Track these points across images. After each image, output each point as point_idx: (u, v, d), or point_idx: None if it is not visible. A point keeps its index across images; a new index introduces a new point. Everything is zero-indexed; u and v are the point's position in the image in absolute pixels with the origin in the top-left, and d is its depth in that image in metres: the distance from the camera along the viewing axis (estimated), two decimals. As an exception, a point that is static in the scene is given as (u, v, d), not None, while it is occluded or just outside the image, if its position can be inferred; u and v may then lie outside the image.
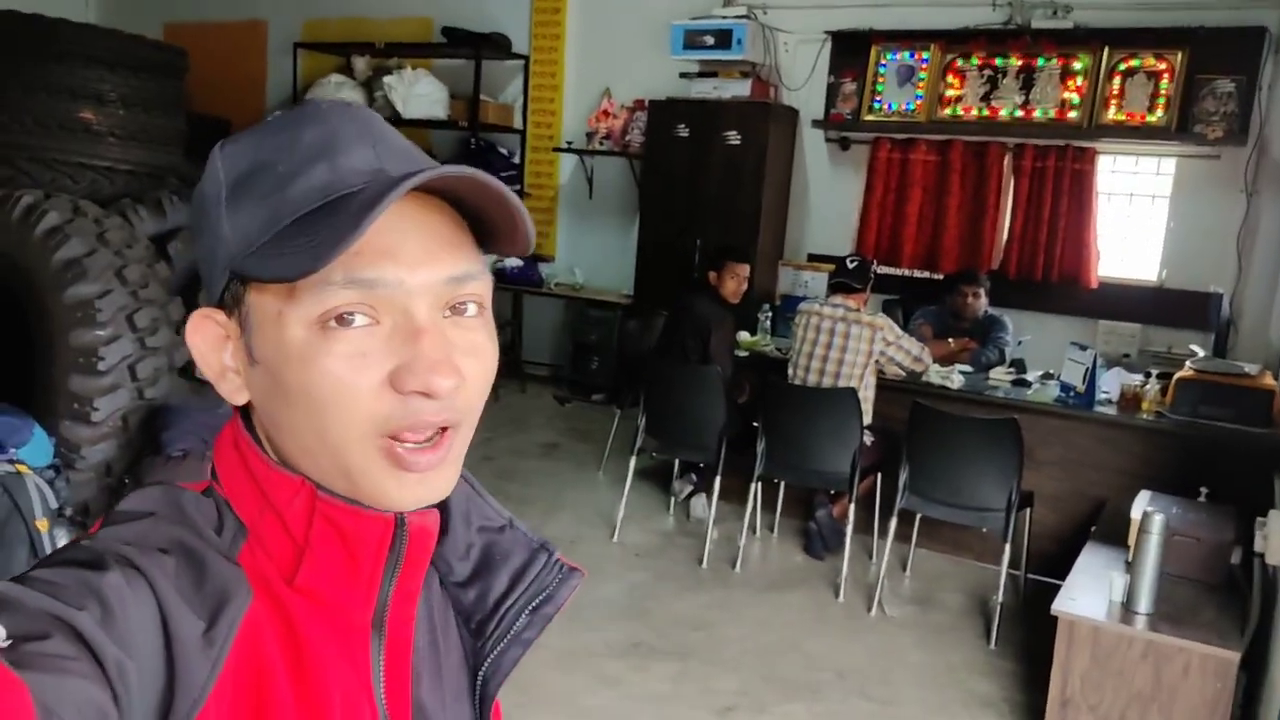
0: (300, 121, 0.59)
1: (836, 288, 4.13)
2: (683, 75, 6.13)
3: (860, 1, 5.69)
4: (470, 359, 0.58)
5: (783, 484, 4.42)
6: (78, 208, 3.67)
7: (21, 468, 2.97)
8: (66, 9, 5.36)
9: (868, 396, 4.05)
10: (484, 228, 0.60)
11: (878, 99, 5.67)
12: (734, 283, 4.51)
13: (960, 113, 5.46)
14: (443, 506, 0.67)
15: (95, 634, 0.47)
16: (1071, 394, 4.07)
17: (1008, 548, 3.60)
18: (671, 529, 4.50)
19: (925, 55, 5.49)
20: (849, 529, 3.91)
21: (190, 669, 0.51)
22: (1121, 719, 2.77)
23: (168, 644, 0.51)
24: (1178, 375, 3.93)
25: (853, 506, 3.93)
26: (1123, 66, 5.05)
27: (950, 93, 5.48)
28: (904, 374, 4.14)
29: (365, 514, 0.58)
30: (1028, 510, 3.87)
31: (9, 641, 0.45)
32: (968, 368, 4.48)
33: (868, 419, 4.00)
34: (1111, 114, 5.08)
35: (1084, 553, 3.32)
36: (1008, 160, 5.42)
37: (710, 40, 5.84)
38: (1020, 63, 5.27)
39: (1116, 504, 3.71)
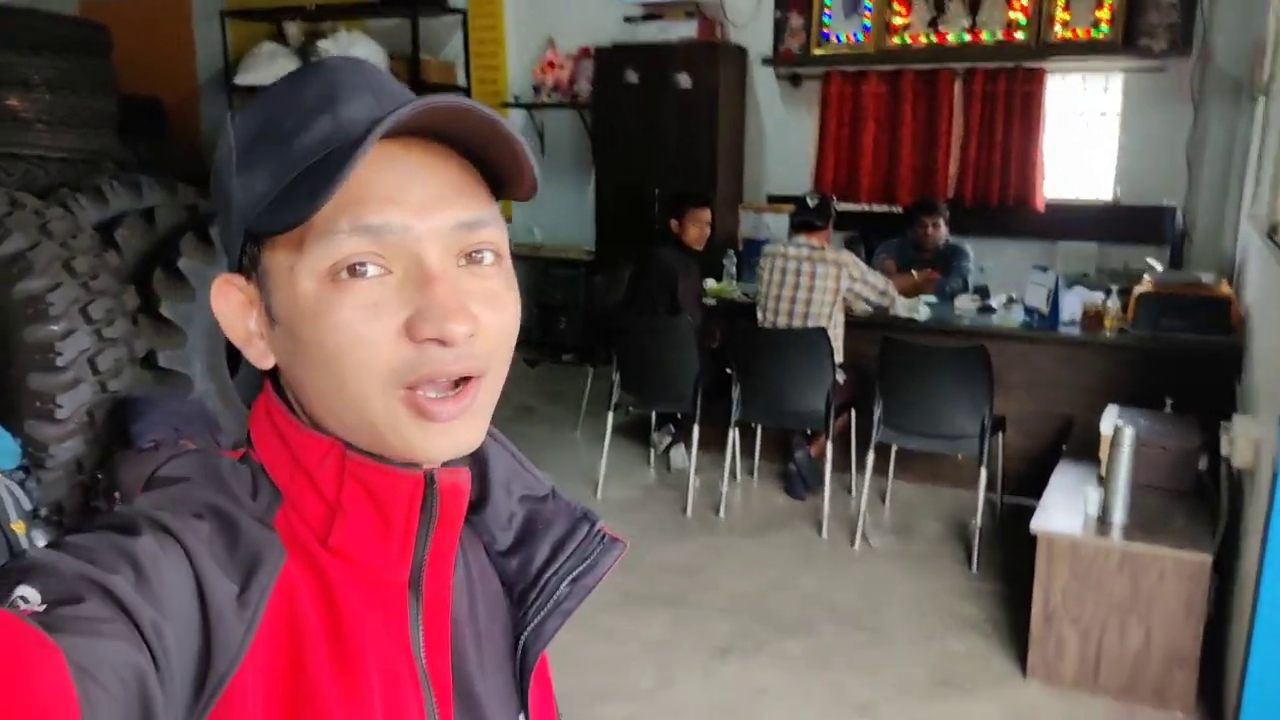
0: (304, 78, 0.59)
1: (799, 227, 4.14)
2: (627, 20, 6.02)
3: (802, -68, 5.61)
4: (487, 308, 0.57)
5: (760, 428, 4.46)
6: (15, 200, 3.55)
7: (-10, 473, 2.90)
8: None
9: (838, 335, 4.08)
10: (492, 174, 0.59)
11: (825, 32, 5.63)
12: (696, 229, 4.50)
13: (908, 41, 5.44)
14: (484, 476, 0.67)
15: (130, 596, 0.47)
16: (1036, 317, 4.13)
17: (983, 472, 3.68)
18: (653, 481, 4.53)
19: (871, -18, 5.45)
20: (827, 467, 3.96)
21: (225, 630, 0.51)
22: (1102, 628, 2.86)
23: (202, 606, 0.51)
24: (1138, 290, 4.01)
25: (830, 444, 3.98)
26: (1067, -19, 5.06)
27: (897, 20, 5.45)
28: (871, 310, 4.18)
29: (394, 472, 0.58)
30: (1000, 434, 3.96)
31: (44, 606, 0.45)
32: (933, 298, 4.53)
33: (839, 357, 4.04)
34: (1058, 32, 5.09)
35: (1056, 471, 3.40)
36: (958, 87, 5.42)
37: (652, -20, 5.74)
38: (966, -16, 5.25)
39: (1085, 421, 3.80)
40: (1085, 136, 5.42)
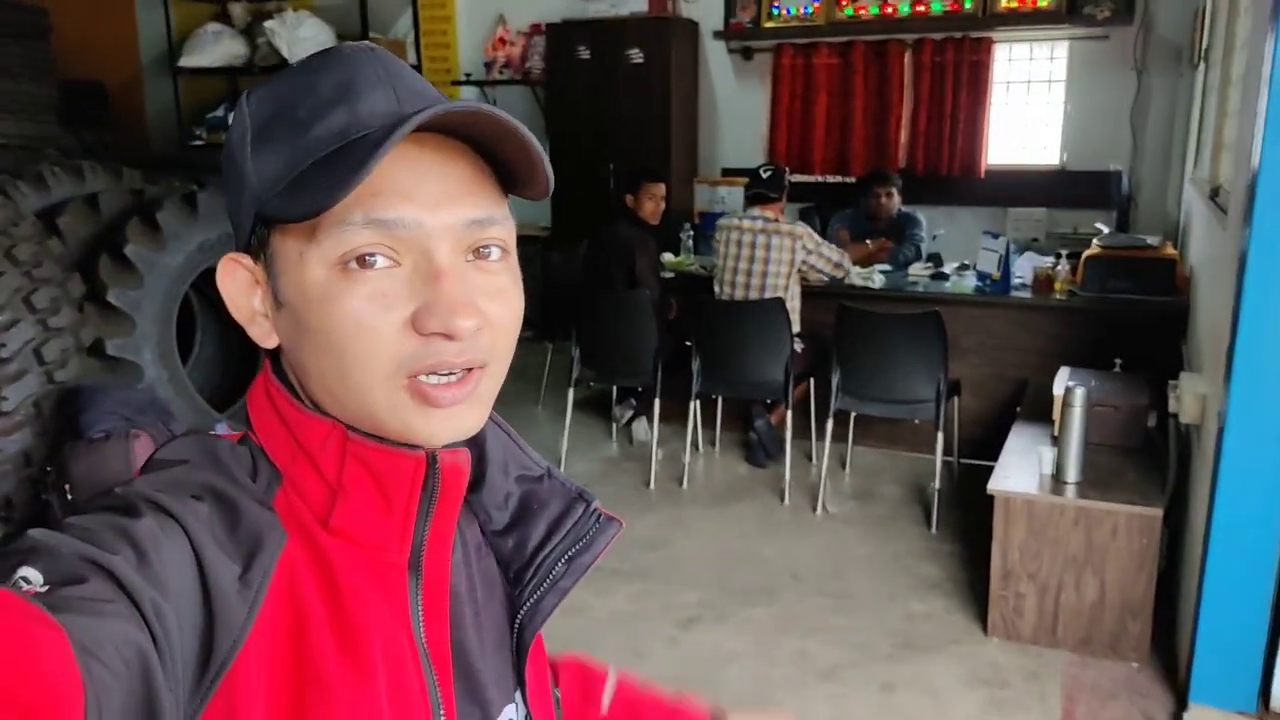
0: (322, 66, 0.59)
1: (753, 199, 4.15)
2: (577, -5, 5.98)
3: (750, -96, 5.60)
4: (493, 302, 0.58)
5: (720, 399, 4.49)
6: (-48, 189, 3.45)
7: (-65, 468, 2.83)
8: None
9: (794, 307, 4.11)
10: (505, 171, 0.60)
11: (776, 4, 5.63)
12: (652, 204, 4.50)
13: (857, 13, 5.46)
14: (481, 456, 0.68)
15: (130, 577, 0.47)
16: (988, 282, 4.19)
17: (940, 436, 3.74)
18: (616, 455, 4.54)
19: (819, -46, 5.46)
20: (788, 435, 4.00)
21: (227, 611, 0.52)
22: (1059, 583, 2.93)
23: (204, 587, 0.51)
24: (1086, 254, 4.08)
25: (789, 413, 4.01)
26: (1012, -49, 5.11)
27: (847, -9, 5.48)
28: (826, 280, 4.21)
29: (397, 453, 0.58)
30: (955, 398, 4.02)
31: (46, 587, 0.45)
32: (887, 267, 4.58)
33: (796, 327, 4.07)
34: (1004, 2, 5.15)
35: (1011, 433, 3.47)
36: (908, 57, 5.46)
37: (600, -47, 5.70)
38: (912, -45, 5.28)
39: (1038, 383, 3.87)
40: (1033, 104, 5.50)
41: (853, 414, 4.09)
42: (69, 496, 3.24)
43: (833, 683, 2.79)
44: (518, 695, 0.69)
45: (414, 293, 0.56)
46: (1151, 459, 3.19)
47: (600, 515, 0.70)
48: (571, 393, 4.39)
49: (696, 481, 4.21)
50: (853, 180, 5.49)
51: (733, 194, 5.61)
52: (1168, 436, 3.29)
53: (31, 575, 0.45)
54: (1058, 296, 4.08)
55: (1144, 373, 3.52)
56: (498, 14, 6.38)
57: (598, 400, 5.01)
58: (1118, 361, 3.58)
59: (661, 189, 4.51)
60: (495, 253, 0.59)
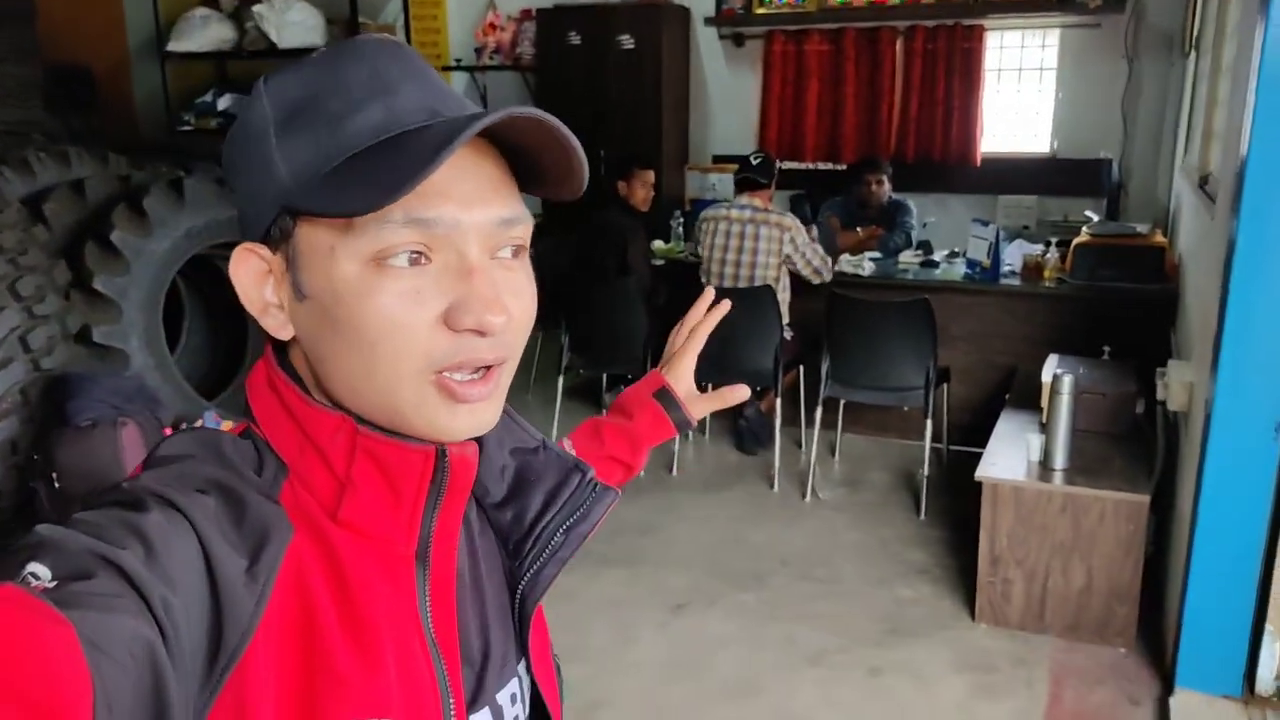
0: (344, 59, 0.59)
1: (742, 184, 4.14)
2: (568, -21, 5.94)
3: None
4: (515, 298, 0.59)
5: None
6: (-65, 174, 3.42)
7: (-80, 455, 2.81)
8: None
9: (785, 299, 4.10)
10: (528, 169, 0.61)
11: (767, -10, 5.60)
12: (643, 191, 4.50)
13: (848, 0, 5.44)
14: None
15: (139, 571, 0.47)
16: (977, 269, 4.20)
17: (929, 423, 3.75)
18: (605, 442, 4.54)
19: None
20: (777, 422, 4.00)
21: (236, 605, 0.52)
22: (1046, 569, 2.95)
23: (211, 581, 0.52)
24: (1075, 241, 4.09)
25: (779, 401, 4.02)
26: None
27: (839, -22, 5.46)
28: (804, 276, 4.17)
29: (407, 447, 0.59)
30: (945, 385, 4.03)
31: (54, 582, 0.45)
32: (877, 254, 4.58)
33: (786, 318, 4.06)
34: (996, -11, 5.15)
35: (1000, 420, 3.48)
36: (899, 44, 5.45)
37: (591, -62, 5.67)
38: (904, -58, 5.26)
39: (1026, 370, 3.88)
40: (1024, 92, 5.49)
41: (842, 401, 4.10)
42: (56, 484, 3.22)
43: (820, 667, 2.81)
44: (520, 666, 0.70)
45: (445, 290, 0.56)
46: (1139, 446, 3.20)
47: (597, 485, 0.71)
48: (561, 380, 4.39)
49: (687, 468, 4.22)
50: (843, 168, 5.49)
51: (724, 181, 5.60)
52: (1155, 424, 3.30)
53: (40, 571, 0.46)
54: (1047, 284, 4.08)
55: (1132, 360, 3.53)
56: (488, -1, 6.35)
57: (587, 388, 5.01)
58: (1106, 349, 3.59)
59: (651, 176, 4.51)
60: (516, 250, 0.60)
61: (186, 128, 6.90)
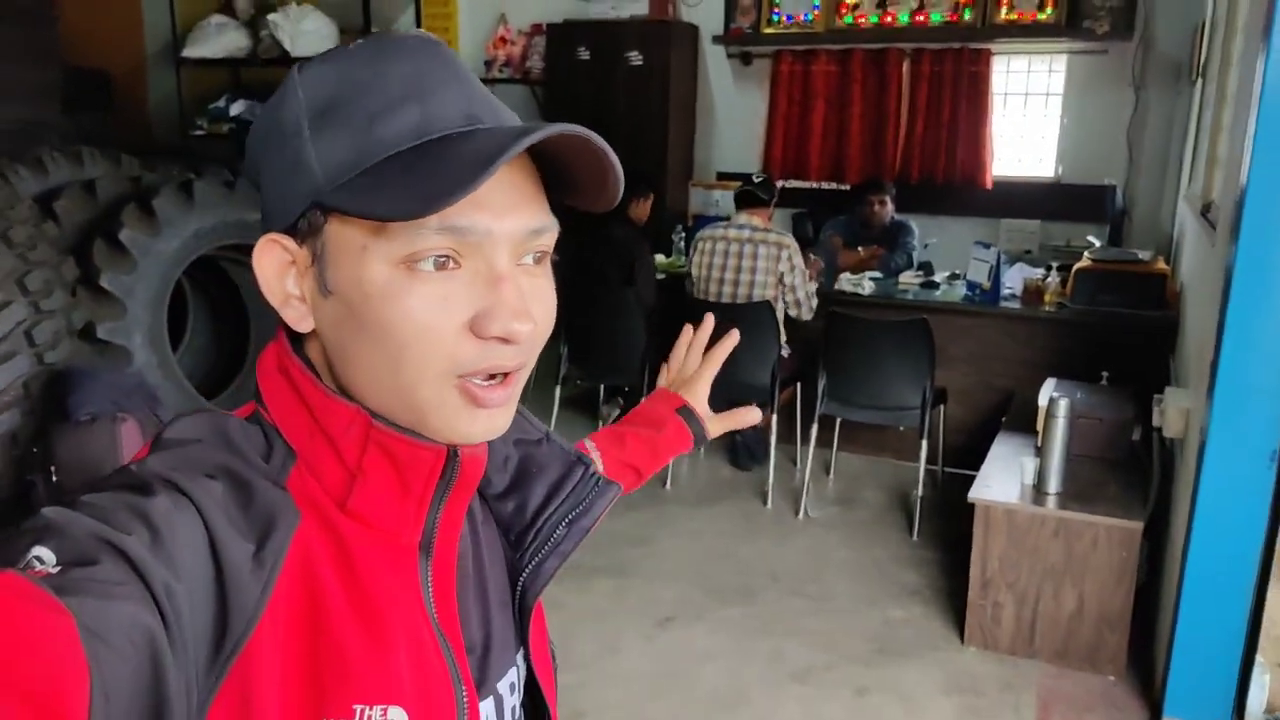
0: (385, 55, 0.58)
1: (742, 200, 4.15)
2: (579, -4, 6.00)
3: (754, -91, 5.61)
4: (537, 305, 0.59)
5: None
6: (-50, 169, 3.47)
7: (-83, 445, 2.83)
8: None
9: (783, 317, 4.08)
10: (561, 178, 0.61)
11: (776, 10, 5.64)
12: (645, 207, 4.56)
13: (857, 22, 5.48)
14: None
15: (143, 557, 0.48)
16: (977, 292, 4.20)
17: (924, 444, 3.74)
18: (602, 454, 4.54)
19: (821, -40, 5.48)
20: (772, 439, 4.00)
21: (241, 590, 0.52)
22: (1037, 593, 2.93)
23: (217, 567, 0.52)
24: (1076, 266, 4.09)
25: (774, 417, 4.01)
26: (1011, -36, 5.12)
27: (847, 0, 5.49)
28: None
29: (420, 445, 0.59)
30: (941, 407, 4.02)
31: (58, 567, 0.45)
32: (878, 274, 4.59)
33: (784, 336, 4.07)
34: (1004, 14, 5.16)
35: (996, 442, 3.47)
36: (906, 66, 5.47)
37: (603, -45, 5.72)
38: (913, -35, 5.30)
39: (1024, 394, 3.88)
40: (1029, 116, 5.51)
41: (838, 420, 4.09)
42: (54, 478, 3.25)
43: (806, 684, 2.80)
44: (519, 655, 0.70)
45: (474, 296, 0.56)
46: (1135, 472, 3.19)
47: (599, 479, 0.71)
48: (559, 390, 4.40)
49: (680, 482, 4.22)
50: (847, 188, 5.50)
51: (727, 197, 5.59)
52: (1151, 450, 3.29)
53: (45, 555, 0.46)
54: (1047, 308, 4.08)
55: (1130, 386, 3.52)
56: (499, 13, 6.39)
57: (584, 399, 5.02)
58: (1104, 374, 3.58)
59: (652, 197, 4.59)
60: (539, 256, 0.60)
61: (199, 132, 6.97)
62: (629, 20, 5.81)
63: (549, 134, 0.54)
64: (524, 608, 0.69)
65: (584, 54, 5.89)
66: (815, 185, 5.74)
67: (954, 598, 3.20)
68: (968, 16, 5.24)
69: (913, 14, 5.35)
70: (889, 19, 5.41)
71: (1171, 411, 2.85)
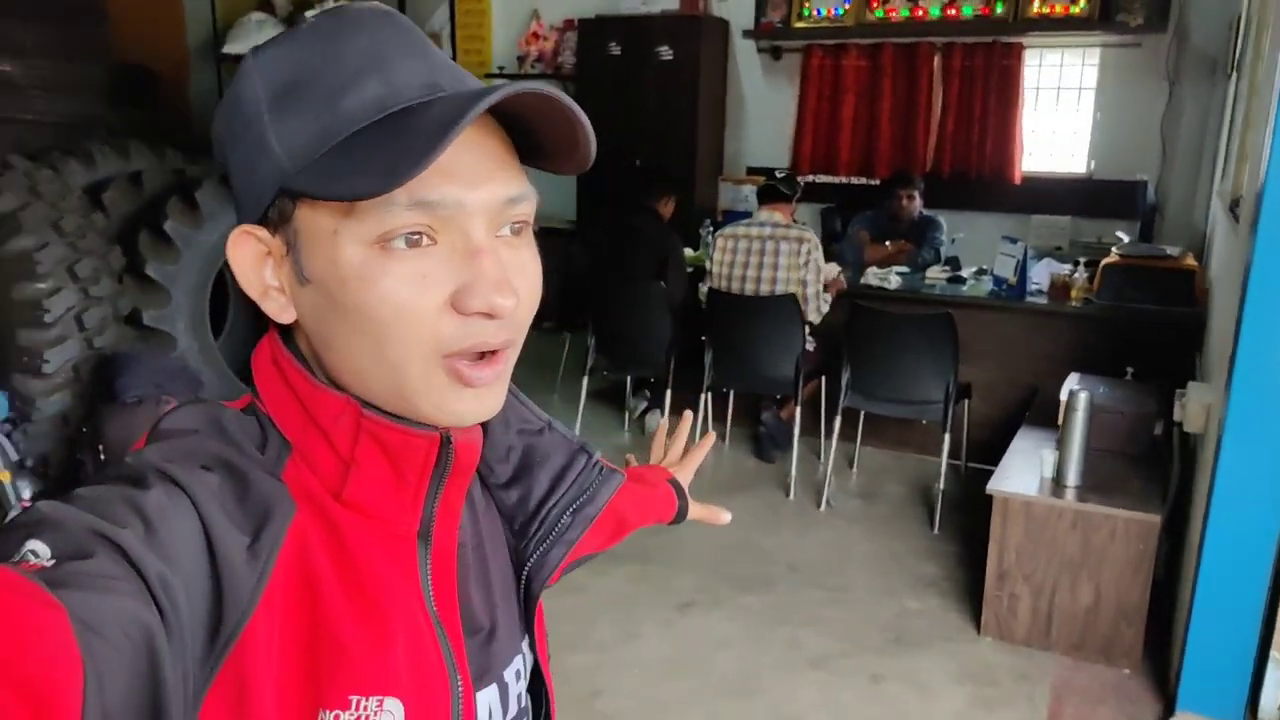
0: (340, 30, 0.57)
1: (764, 195, 4.18)
2: (612, -9, 6.06)
3: (786, -95, 5.63)
4: (521, 277, 0.58)
5: (732, 393, 4.54)
6: (6, 162, 3.63)
7: (-26, 424, 2.98)
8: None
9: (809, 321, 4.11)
10: (533, 144, 0.59)
11: (806, 4, 5.66)
12: (669, 206, 4.66)
13: (888, 15, 5.48)
14: None
15: (138, 550, 0.47)
16: (1004, 287, 4.20)
17: (947, 438, 3.76)
18: (628, 444, 4.61)
19: (852, -45, 5.49)
20: (796, 431, 4.04)
21: (236, 582, 0.52)
22: (1054, 585, 2.95)
23: (212, 558, 0.51)
24: (1104, 262, 4.07)
25: (799, 409, 4.05)
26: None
27: (879, -7, 5.50)
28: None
29: (412, 432, 0.58)
30: (965, 401, 4.03)
31: (53, 561, 0.45)
32: (905, 268, 4.60)
33: (808, 329, 4.10)
34: (1036, 7, 5.14)
35: (1018, 436, 3.49)
36: (937, 61, 5.46)
37: (635, -48, 5.77)
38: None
39: (1048, 389, 3.86)
40: (1061, 111, 5.48)
41: (862, 413, 4.12)
42: (102, 456, 3.39)
43: (822, 671, 2.84)
44: (524, 644, 0.70)
45: (452, 272, 0.55)
46: (1155, 467, 3.19)
47: (602, 467, 0.71)
48: (586, 381, 4.47)
49: (703, 472, 4.21)
50: (877, 183, 5.51)
51: (755, 193, 5.65)
52: (1172, 445, 3.29)
53: (40, 549, 0.46)
54: (1074, 304, 4.07)
55: (1155, 382, 3.51)
56: (532, 9, 6.47)
57: (613, 390, 5.09)
58: (1129, 370, 3.58)
59: (677, 197, 4.72)
60: (519, 227, 0.59)
61: (240, 126, 7.13)
62: (660, 15, 5.86)
63: (508, 94, 0.52)
64: (529, 596, 0.70)
65: (615, 49, 5.95)
66: (845, 180, 5.75)
67: (972, 590, 3.23)
68: (999, 10, 5.22)
69: (944, 8, 5.34)
70: (920, 13, 5.40)
71: (1193, 406, 2.85)
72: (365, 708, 0.56)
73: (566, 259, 5.16)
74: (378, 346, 0.55)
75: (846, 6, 5.54)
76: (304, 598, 0.55)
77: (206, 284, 4.01)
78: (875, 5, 5.49)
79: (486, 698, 0.65)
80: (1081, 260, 4.29)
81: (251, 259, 0.59)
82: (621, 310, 4.33)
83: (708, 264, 4.22)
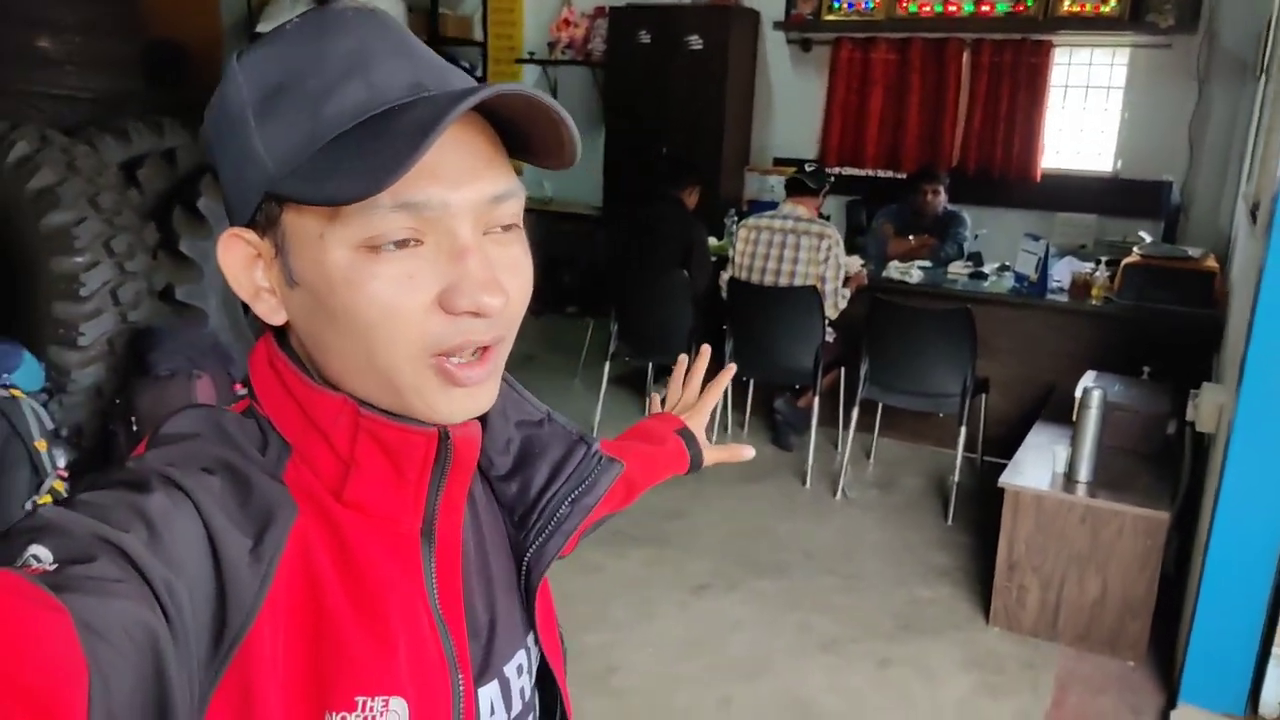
0: (324, 31, 0.57)
1: (791, 187, 4.23)
2: (642, -20, 6.09)
3: (819, -102, 5.64)
4: (511, 275, 0.58)
5: (751, 382, 4.59)
6: (45, 137, 3.70)
7: (15, 392, 3.07)
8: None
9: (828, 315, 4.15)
10: (520, 140, 0.59)
11: (837, -3, 5.68)
12: (693, 197, 4.73)
13: (918, 10, 5.49)
14: None
15: (142, 554, 0.47)
16: (1025, 284, 4.23)
17: (963, 430, 3.81)
18: (647, 430, 4.68)
19: (884, -50, 5.50)
20: (814, 420, 4.10)
21: (239, 585, 0.52)
22: (1062, 577, 3.01)
23: (215, 562, 0.52)
24: (1125, 261, 4.10)
25: (817, 400, 4.11)
26: (1077, -44, 5.10)
27: (910, -12, 5.51)
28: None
29: (410, 430, 0.58)
30: (983, 396, 4.07)
31: (55, 565, 0.45)
32: (927, 263, 4.63)
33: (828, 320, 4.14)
34: (1066, 5, 5.14)
35: (1032, 431, 3.53)
36: (966, 57, 5.47)
37: (668, -58, 5.80)
38: (978, -44, 5.29)
39: (1065, 386, 3.89)
40: (1090, 109, 5.47)
41: (880, 405, 4.17)
42: (134, 428, 3.48)
43: (832, 655, 2.91)
44: (529, 638, 0.70)
45: (439, 272, 0.55)
46: (1167, 466, 3.23)
47: (602, 457, 0.71)
48: (608, 366, 4.54)
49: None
50: (903, 176, 5.53)
51: (782, 183, 5.68)
52: (1185, 444, 3.32)
53: (41, 553, 0.45)
54: (1094, 302, 4.10)
55: (1171, 381, 3.54)
56: (565, -5, 6.53)
57: (632, 377, 5.16)
58: (1145, 369, 3.61)
59: (700, 188, 4.79)
60: (509, 225, 0.59)
61: (272, 105, 7.21)
62: (690, 4, 5.89)
63: (488, 96, 0.52)
64: (529, 587, 0.70)
65: (645, 38, 5.99)
66: (871, 173, 5.78)
67: (982, 581, 3.28)
68: (1030, 4, 5.22)
69: (977, 4, 5.34)
70: (953, 8, 5.41)
71: (1206, 406, 2.88)
72: (371, 708, 0.56)
73: (592, 246, 5.22)
74: (367, 347, 0.56)
75: (877, 1, 5.55)
76: (307, 599, 0.56)
77: (239, 261, 4.09)
78: (907, 0, 5.50)
79: (488, 694, 0.65)
80: (1103, 259, 4.31)
81: (241, 261, 0.59)
82: (645, 298, 4.39)
83: (730, 253, 4.27)
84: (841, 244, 4.12)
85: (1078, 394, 3.27)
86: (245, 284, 0.59)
